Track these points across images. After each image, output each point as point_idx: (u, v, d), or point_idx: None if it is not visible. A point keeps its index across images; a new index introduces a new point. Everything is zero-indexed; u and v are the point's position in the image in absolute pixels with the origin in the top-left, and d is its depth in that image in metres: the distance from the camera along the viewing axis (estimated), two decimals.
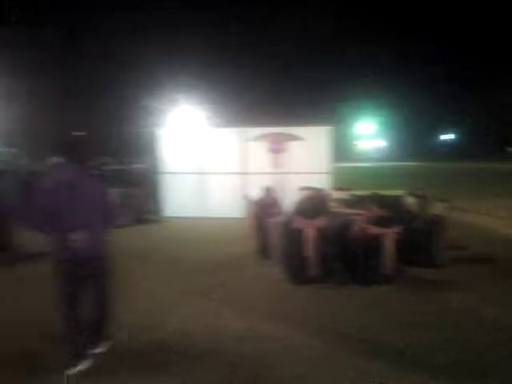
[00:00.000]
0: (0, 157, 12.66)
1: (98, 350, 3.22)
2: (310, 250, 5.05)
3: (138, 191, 9.60)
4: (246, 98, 18.21)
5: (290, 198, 6.37)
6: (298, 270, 5.09)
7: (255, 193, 7.02)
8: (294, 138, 9.49)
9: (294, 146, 9.59)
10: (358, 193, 7.42)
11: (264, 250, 6.25)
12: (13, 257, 6.19)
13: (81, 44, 16.73)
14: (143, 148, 11.83)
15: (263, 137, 9.59)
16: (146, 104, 13.35)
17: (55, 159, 9.89)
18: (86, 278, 3.11)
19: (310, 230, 5.09)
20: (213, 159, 10.26)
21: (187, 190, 10.33)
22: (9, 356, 3.37)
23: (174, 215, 10.09)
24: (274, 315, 4.13)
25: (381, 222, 5.16)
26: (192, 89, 13.75)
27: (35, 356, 3.34)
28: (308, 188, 6.20)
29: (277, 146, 9.33)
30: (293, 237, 5.17)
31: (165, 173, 10.56)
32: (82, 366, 3.06)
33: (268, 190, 6.76)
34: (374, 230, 5.07)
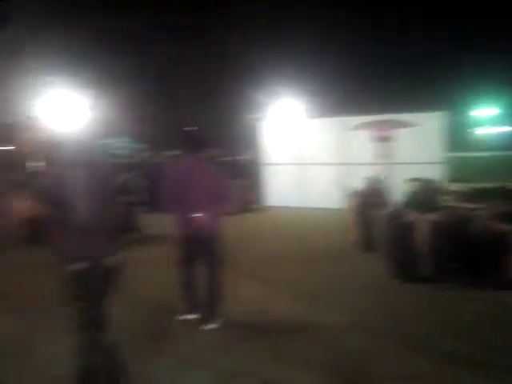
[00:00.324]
0: (131, 152, 14.58)
1: (211, 326, 3.51)
2: (422, 245, 4.67)
3: (242, 182, 10.04)
4: (348, 85, 17.48)
5: (397, 190, 5.97)
6: (407, 267, 4.75)
7: (357, 183, 6.75)
8: (403, 125, 8.79)
9: (402, 133, 8.92)
10: (479, 185, 6.60)
11: (366, 243, 5.99)
12: (138, 238, 7.03)
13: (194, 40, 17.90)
14: (246, 140, 12.29)
15: (367, 125, 9.10)
16: (249, 97, 13.80)
17: (175, 152, 10.96)
18: (201, 252, 3.55)
19: (423, 224, 4.70)
20: (313, 150, 10.18)
21: (288, 181, 10.45)
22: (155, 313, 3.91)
23: (275, 205, 10.34)
24: (379, 311, 3.93)
25: (507, 217, 4.51)
26: (292, 81, 13.72)
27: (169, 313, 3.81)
28: (416, 179, 5.72)
29: (383, 135, 8.78)
30: (403, 230, 4.83)
31: (266, 164, 10.85)
32: (190, 317, 3.62)
33: (372, 181, 6.44)
34: (501, 226, 4.45)
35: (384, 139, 8.64)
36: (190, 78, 17.72)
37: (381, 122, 9.01)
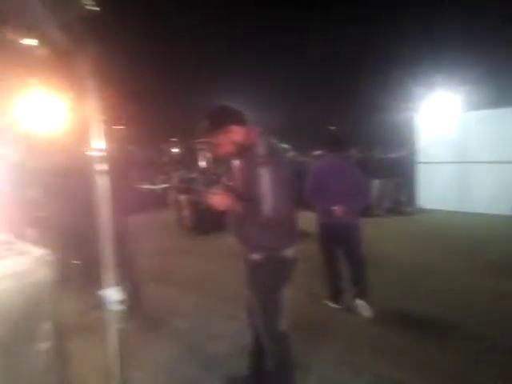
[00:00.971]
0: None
1: (356, 304, 3.84)
2: None
3: (393, 181, 9.47)
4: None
5: None
6: None
7: None
8: None
9: None
10: None
11: None
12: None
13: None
14: (399, 136, 11.53)
15: None
16: (402, 90, 12.88)
17: (318, 151, 11.10)
18: (341, 241, 3.87)
19: None
20: (479, 146, 8.88)
21: (446, 181, 9.41)
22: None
23: (430, 207, 9.42)
24: None
25: None
26: (450, 70, 12.23)
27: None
28: None
29: None
30: None
31: (421, 162, 9.98)
32: (334, 305, 3.96)
33: None
34: None
35: None
36: (333, 75, 17.63)
37: None
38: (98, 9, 1.22)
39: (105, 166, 1.40)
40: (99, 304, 1.52)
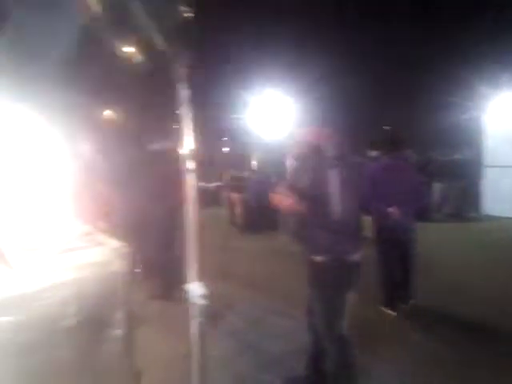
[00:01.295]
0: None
1: (403, 305, 3.83)
2: None
3: (455, 185, 8.93)
4: None
5: None
6: None
7: None
8: None
9: None
10: None
11: None
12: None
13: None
14: (462, 137, 10.85)
15: None
16: (467, 89, 12.12)
17: (374, 152, 10.74)
18: (396, 244, 3.79)
19: None
20: None
21: None
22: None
23: (497, 214, 8.75)
24: None
25: None
26: None
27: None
28: None
29: None
30: None
31: (488, 166, 9.31)
32: (390, 312, 3.84)
33: None
34: None
35: None
36: (390, 71, 16.93)
37: None
38: (192, 15, 1.27)
39: (193, 165, 1.46)
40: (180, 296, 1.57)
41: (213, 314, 3.86)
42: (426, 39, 16.66)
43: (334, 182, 2.02)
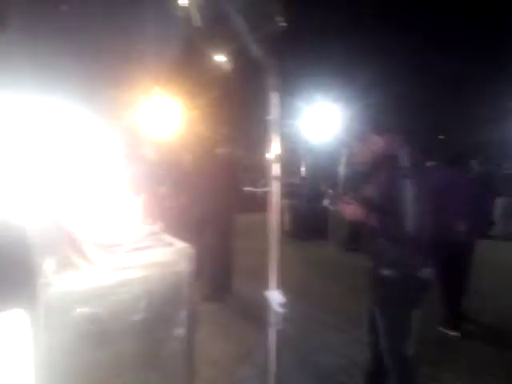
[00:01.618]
0: None
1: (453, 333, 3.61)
2: None
3: None
4: None
5: None
6: None
7: None
8: None
9: None
10: None
11: None
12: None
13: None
14: None
15: None
16: None
17: (429, 162, 10.22)
18: (455, 261, 3.53)
19: None
20: None
21: None
22: None
23: None
24: None
25: None
26: None
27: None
28: None
29: None
30: None
31: None
32: (453, 333, 3.61)
33: None
34: None
35: None
36: (449, 77, 16.12)
37: None
38: (285, 24, 1.27)
39: (278, 171, 1.44)
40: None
41: (264, 322, 3.84)
42: (489, 45, 15.75)
43: (409, 194, 1.92)
